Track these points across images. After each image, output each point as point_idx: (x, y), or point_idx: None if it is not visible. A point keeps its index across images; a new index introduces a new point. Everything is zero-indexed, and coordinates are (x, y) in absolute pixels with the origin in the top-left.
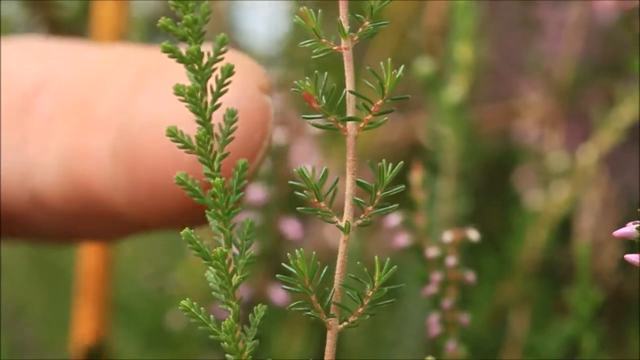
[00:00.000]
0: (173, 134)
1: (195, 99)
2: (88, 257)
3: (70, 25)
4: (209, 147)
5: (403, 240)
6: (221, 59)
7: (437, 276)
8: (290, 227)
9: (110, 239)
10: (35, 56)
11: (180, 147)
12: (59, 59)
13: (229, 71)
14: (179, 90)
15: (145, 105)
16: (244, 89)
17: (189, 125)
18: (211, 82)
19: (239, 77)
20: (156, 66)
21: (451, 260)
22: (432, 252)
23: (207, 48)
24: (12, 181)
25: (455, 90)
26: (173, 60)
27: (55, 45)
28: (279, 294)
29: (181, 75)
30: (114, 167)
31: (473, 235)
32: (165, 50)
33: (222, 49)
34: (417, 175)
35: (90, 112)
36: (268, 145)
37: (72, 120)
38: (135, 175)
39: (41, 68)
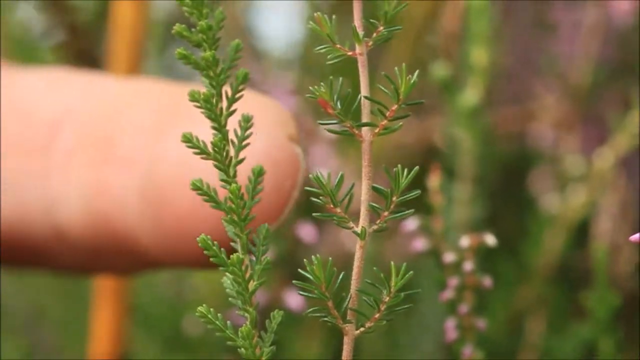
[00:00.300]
0: (188, 139)
1: (211, 105)
2: None
3: (88, 29)
4: (224, 153)
5: (420, 244)
6: (235, 65)
7: (454, 281)
8: (306, 232)
9: (132, 273)
10: (57, 88)
11: (196, 154)
12: (79, 91)
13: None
14: (193, 96)
15: (171, 147)
16: (273, 139)
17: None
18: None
19: (267, 126)
20: (180, 105)
21: (468, 266)
22: (449, 257)
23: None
24: (35, 214)
25: (471, 94)
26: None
27: (77, 77)
28: (294, 299)
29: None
30: (139, 207)
31: (490, 240)
32: (180, 57)
33: (237, 55)
34: (434, 179)
35: (111, 148)
36: (297, 195)
37: (92, 155)
38: (163, 219)
39: (63, 100)
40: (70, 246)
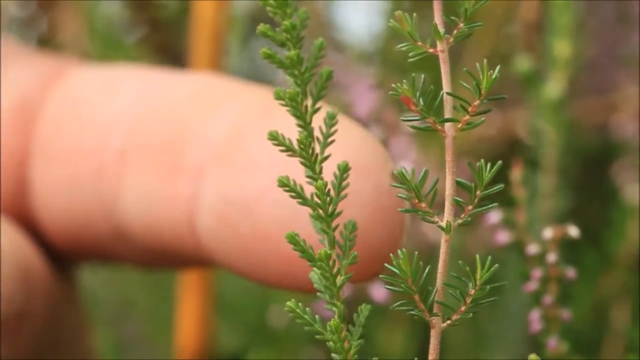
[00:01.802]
0: (274, 137)
1: (296, 103)
2: None
3: (170, 24)
4: (310, 150)
5: (504, 237)
6: (320, 64)
7: (537, 273)
8: None
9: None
10: (115, 87)
11: (282, 151)
12: (138, 90)
13: (328, 75)
14: (278, 95)
15: (251, 161)
16: (377, 175)
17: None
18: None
19: (372, 168)
20: (259, 112)
21: (552, 257)
22: (532, 249)
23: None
24: (94, 215)
25: (554, 86)
26: (276, 103)
27: (138, 75)
28: (379, 293)
29: (288, 120)
30: (212, 223)
31: (573, 231)
32: (265, 57)
33: (321, 54)
34: (517, 172)
35: (177, 155)
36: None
37: (155, 159)
38: (242, 237)
39: (119, 100)
40: (131, 245)
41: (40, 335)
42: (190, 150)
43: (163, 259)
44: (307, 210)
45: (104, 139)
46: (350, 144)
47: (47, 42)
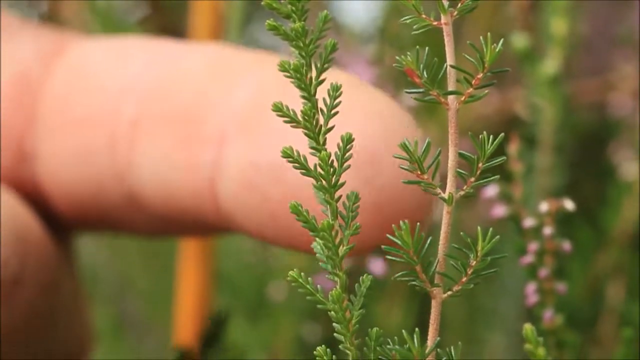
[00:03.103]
0: (279, 108)
1: (301, 75)
2: None
3: (171, 3)
4: (314, 122)
5: (501, 211)
6: (324, 36)
7: (534, 246)
8: None
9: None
10: (125, 56)
11: (286, 122)
12: (148, 60)
13: (333, 47)
14: (284, 67)
15: (273, 132)
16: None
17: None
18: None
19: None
20: (283, 80)
21: (548, 230)
22: (528, 222)
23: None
24: (104, 181)
25: (551, 64)
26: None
27: (148, 45)
28: (377, 265)
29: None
30: (236, 190)
31: (569, 204)
32: (270, 28)
33: (326, 26)
34: (513, 147)
35: (196, 123)
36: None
37: (171, 128)
38: (270, 202)
39: (129, 69)
40: (143, 213)
41: (36, 303)
42: (211, 118)
43: (176, 226)
44: None
45: (115, 108)
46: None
47: (48, 23)
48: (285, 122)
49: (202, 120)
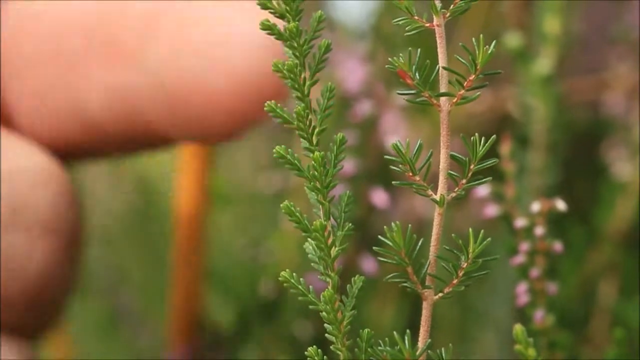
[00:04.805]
0: (272, 108)
1: (295, 75)
2: (183, 227)
3: None
4: (307, 122)
5: (492, 210)
6: (318, 36)
7: (525, 246)
8: (379, 198)
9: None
10: None
11: (279, 122)
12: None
13: (327, 47)
14: (277, 67)
15: (196, 35)
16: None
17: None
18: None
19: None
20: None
21: (539, 230)
22: (520, 222)
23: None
24: (63, 113)
25: (544, 63)
26: None
27: None
28: (369, 264)
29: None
30: (164, 101)
31: (561, 205)
32: (264, 28)
33: (320, 26)
34: (506, 147)
35: (118, 47)
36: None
37: (104, 56)
38: (189, 110)
39: (71, 4)
40: (102, 138)
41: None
42: (126, 40)
43: (126, 146)
44: None
45: (62, 43)
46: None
47: None
48: (279, 122)
49: (121, 43)
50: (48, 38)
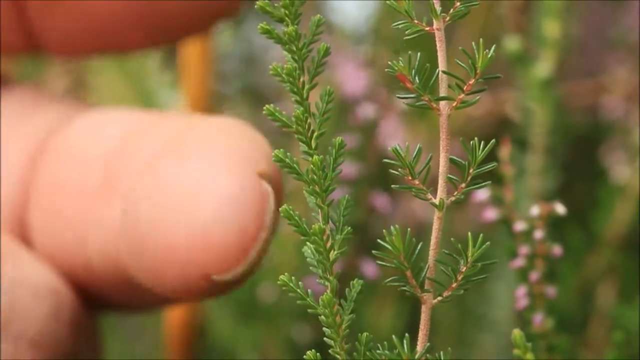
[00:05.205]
0: (271, 112)
1: (293, 79)
2: None
3: None
4: (306, 126)
5: (492, 214)
6: (317, 40)
7: (524, 249)
8: (379, 201)
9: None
10: (102, 128)
11: (279, 126)
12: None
13: (325, 51)
14: (276, 70)
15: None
16: (240, 176)
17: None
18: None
19: (235, 163)
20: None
21: (538, 234)
22: (519, 225)
23: None
24: (69, 249)
25: (543, 66)
26: (192, 135)
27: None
28: (369, 268)
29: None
30: (126, 242)
31: (560, 208)
32: (263, 32)
33: (319, 30)
34: (505, 151)
35: (111, 183)
36: (268, 237)
37: (103, 191)
38: (147, 251)
39: (104, 142)
40: (100, 280)
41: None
42: (118, 178)
43: (123, 295)
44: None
45: (84, 180)
46: (220, 134)
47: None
48: (278, 126)
49: (114, 179)
50: (76, 170)
